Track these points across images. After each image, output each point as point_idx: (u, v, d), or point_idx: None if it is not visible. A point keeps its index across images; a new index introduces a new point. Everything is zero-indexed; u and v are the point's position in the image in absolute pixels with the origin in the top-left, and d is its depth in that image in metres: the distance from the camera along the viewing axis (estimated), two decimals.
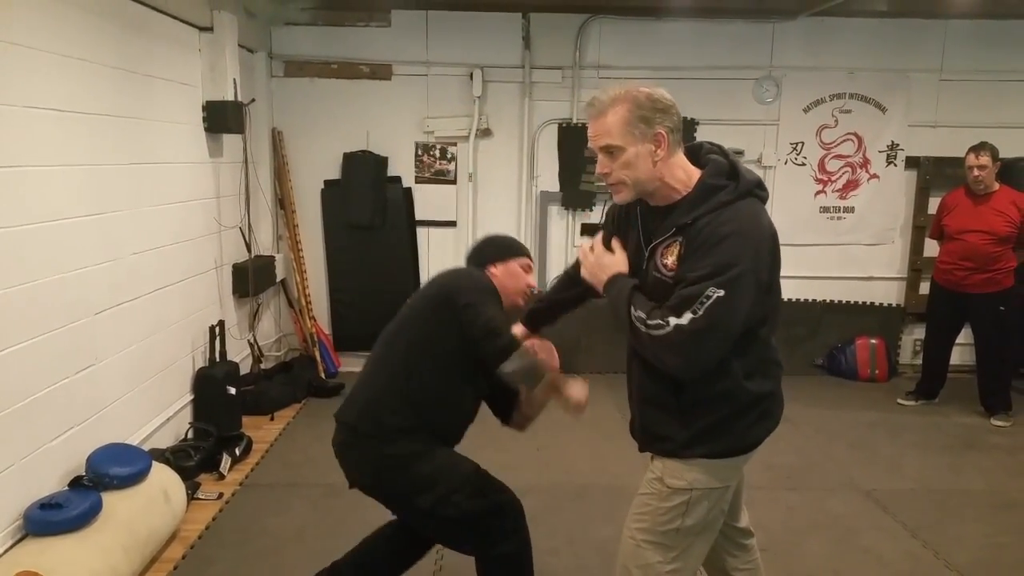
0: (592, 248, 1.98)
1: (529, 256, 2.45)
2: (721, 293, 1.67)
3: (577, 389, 2.05)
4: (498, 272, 2.35)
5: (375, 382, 2.27)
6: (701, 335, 1.69)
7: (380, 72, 5.40)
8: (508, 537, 2.29)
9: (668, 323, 1.71)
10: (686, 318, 1.69)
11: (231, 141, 4.63)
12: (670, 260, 1.80)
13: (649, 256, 1.86)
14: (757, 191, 1.83)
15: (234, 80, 4.37)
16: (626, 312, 1.80)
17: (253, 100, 4.89)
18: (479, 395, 2.37)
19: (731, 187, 1.79)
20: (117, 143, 3.37)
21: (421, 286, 2.42)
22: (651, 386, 1.90)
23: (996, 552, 3.23)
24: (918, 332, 5.62)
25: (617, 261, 1.93)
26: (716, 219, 1.74)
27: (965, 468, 4.12)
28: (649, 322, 1.74)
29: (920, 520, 3.48)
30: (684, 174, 1.83)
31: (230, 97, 4.34)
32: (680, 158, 1.84)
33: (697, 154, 1.89)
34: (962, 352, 5.28)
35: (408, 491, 2.22)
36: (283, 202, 5.42)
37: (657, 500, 1.90)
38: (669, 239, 1.81)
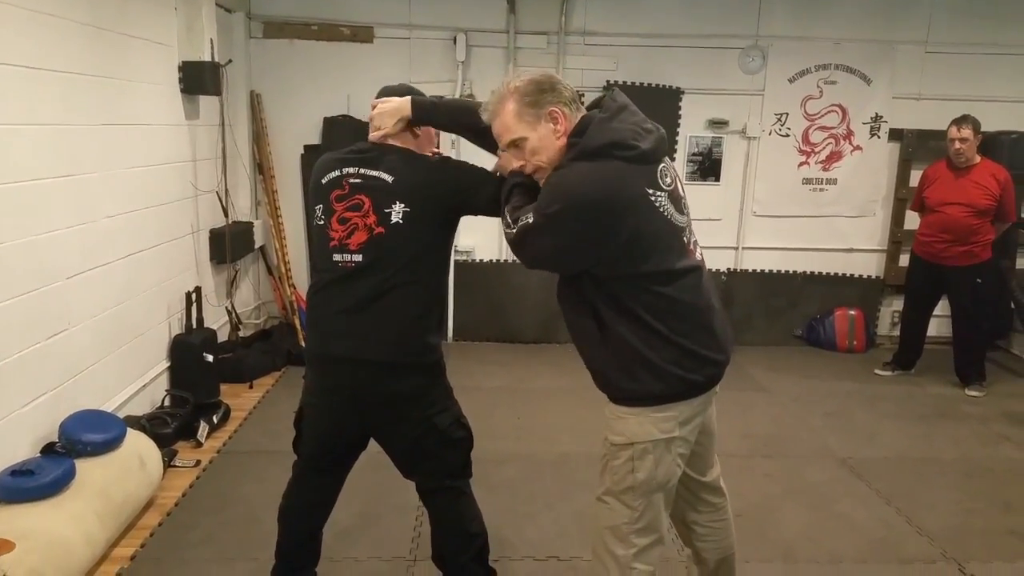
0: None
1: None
2: (530, 220, 1.80)
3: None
4: (422, 132, 2.38)
5: (401, 308, 2.09)
6: (522, 240, 1.84)
7: (361, 35, 5.29)
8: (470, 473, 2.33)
9: (513, 226, 1.86)
10: (518, 224, 1.84)
11: (208, 103, 4.53)
12: None
13: None
14: (613, 151, 1.77)
15: (211, 40, 4.26)
16: (504, 200, 1.95)
17: (230, 61, 4.78)
18: None
19: (577, 146, 1.81)
20: (89, 103, 3.28)
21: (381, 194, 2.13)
22: (580, 334, 1.96)
23: (966, 518, 3.29)
24: (897, 304, 5.66)
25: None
26: (553, 174, 1.83)
27: (938, 437, 4.18)
28: (508, 218, 1.89)
29: (894, 487, 3.53)
30: None
31: (207, 58, 4.23)
32: None
33: (598, 105, 1.92)
34: (939, 324, 5.33)
35: (436, 409, 2.19)
36: (262, 167, 5.32)
37: (608, 459, 1.94)
38: None
